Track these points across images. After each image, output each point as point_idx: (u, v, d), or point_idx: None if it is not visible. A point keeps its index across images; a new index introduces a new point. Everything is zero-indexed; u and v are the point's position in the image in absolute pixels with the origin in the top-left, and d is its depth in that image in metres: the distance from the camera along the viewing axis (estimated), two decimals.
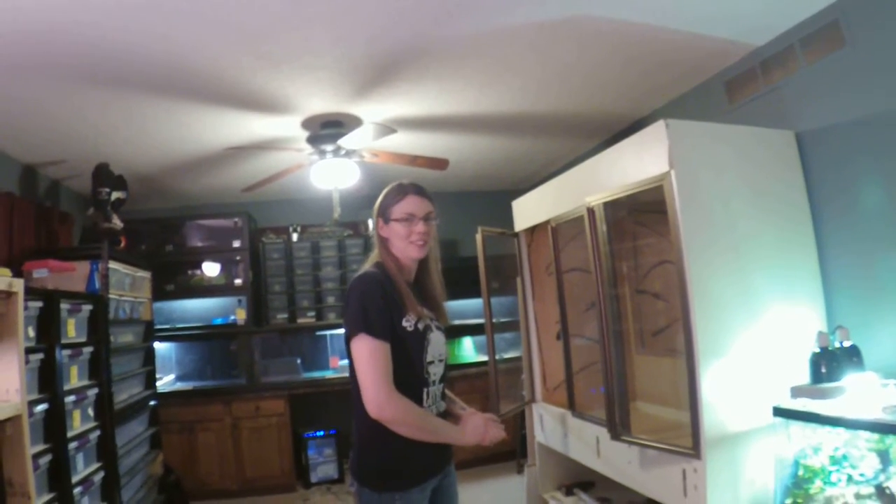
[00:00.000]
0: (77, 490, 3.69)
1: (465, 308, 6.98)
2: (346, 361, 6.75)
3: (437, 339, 2.43)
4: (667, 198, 3.02)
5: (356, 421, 2.33)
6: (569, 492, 4.55)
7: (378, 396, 2.14)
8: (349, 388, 2.33)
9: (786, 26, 3.59)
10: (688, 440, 2.96)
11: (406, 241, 2.45)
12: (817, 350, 3.01)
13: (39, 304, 3.57)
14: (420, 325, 2.35)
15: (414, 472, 2.31)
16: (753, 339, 3.08)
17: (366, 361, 2.17)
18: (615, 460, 3.66)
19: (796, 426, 2.88)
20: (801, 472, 2.83)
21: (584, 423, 3.98)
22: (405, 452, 2.26)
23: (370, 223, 7.20)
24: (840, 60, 3.30)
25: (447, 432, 2.35)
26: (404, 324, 2.29)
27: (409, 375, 2.28)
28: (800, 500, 2.78)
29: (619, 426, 3.45)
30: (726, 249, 3.11)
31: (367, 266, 2.44)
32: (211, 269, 6.79)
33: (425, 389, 2.35)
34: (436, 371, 2.41)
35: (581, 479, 4.57)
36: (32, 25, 2.97)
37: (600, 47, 3.81)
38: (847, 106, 3.28)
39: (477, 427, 2.42)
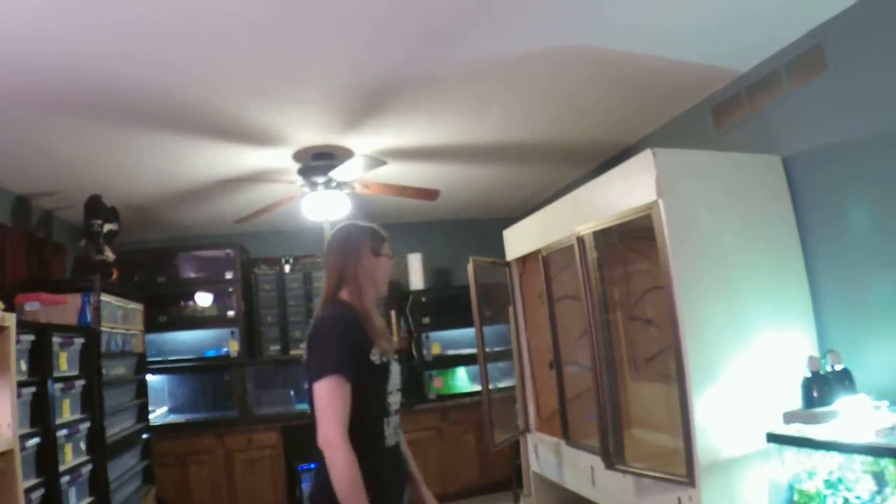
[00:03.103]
0: None
1: (457, 338, 6.99)
2: None
3: (395, 369, 2.46)
4: (655, 226, 3.05)
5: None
6: None
7: (328, 431, 2.14)
8: None
9: (770, 52, 3.65)
10: (682, 468, 2.97)
11: (386, 277, 2.58)
12: (809, 375, 3.02)
13: (31, 337, 3.56)
14: (384, 359, 2.38)
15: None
16: (745, 364, 3.10)
17: (327, 400, 2.17)
18: (610, 489, 3.65)
19: (790, 451, 2.89)
20: (796, 498, 2.84)
21: (579, 452, 3.98)
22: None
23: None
24: (824, 84, 3.35)
25: None
26: (372, 357, 2.32)
27: (373, 407, 2.32)
28: None
29: (613, 455, 3.45)
30: (716, 276, 3.13)
31: (328, 303, 2.46)
32: (204, 298, 6.76)
33: (386, 419, 2.38)
34: (395, 401, 2.44)
35: None
36: (25, 56, 2.99)
37: (588, 76, 3.85)
38: (832, 129, 3.32)
39: None
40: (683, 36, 3.41)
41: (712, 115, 4.20)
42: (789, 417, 2.99)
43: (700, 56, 3.66)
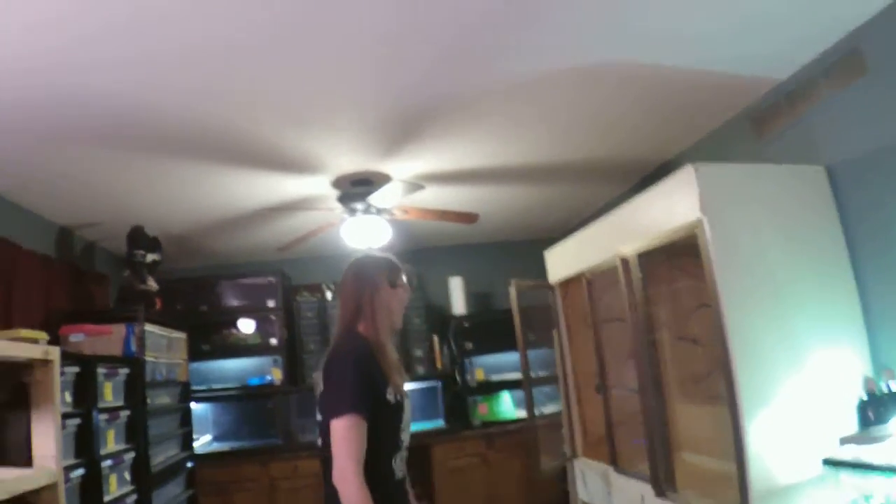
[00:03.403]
0: None
1: (501, 362, 6.91)
2: None
3: (408, 406, 2.48)
4: (700, 245, 2.98)
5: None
6: None
7: (344, 469, 2.17)
8: None
9: (808, 58, 3.53)
10: (736, 494, 2.87)
11: (402, 308, 2.62)
12: (865, 396, 2.93)
13: (76, 369, 3.59)
14: (399, 397, 2.40)
15: None
16: (798, 385, 2.99)
17: (344, 438, 2.21)
18: None
19: (846, 475, 2.78)
20: None
21: (628, 480, 3.88)
22: None
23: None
24: (865, 89, 3.23)
25: None
26: (388, 397, 2.34)
27: (386, 443, 2.35)
28: None
29: (663, 482, 3.36)
30: (764, 294, 3.04)
31: (344, 336, 2.48)
32: (246, 325, 6.79)
33: (397, 454, 2.41)
34: (405, 437, 2.47)
35: None
36: (67, 89, 3.05)
37: (624, 92, 3.80)
38: (876, 136, 3.19)
39: None
40: (718, 46, 3.33)
41: (752, 125, 4.09)
42: (846, 440, 2.88)
43: (738, 67, 3.58)
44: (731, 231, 3.01)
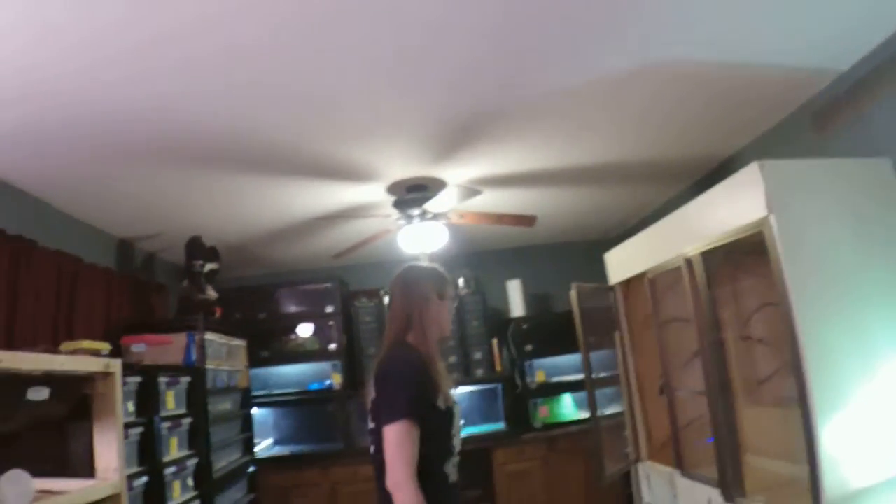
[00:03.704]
0: None
1: (561, 364, 6.82)
2: None
3: (457, 412, 2.53)
4: (768, 244, 2.87)
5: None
6: None
7: (398, 475, 2.23)
8: None
9: (869, 48, 3.37)
10: (808, 499, 2.76)
11: (449, 320, 2.69)
12: None
13: (138, 379, 3.63)
14: (449, 403, 2.45)
15: None
16: (873, 385, 2.86)
17: (397, 444, 2.26)
18: None
19: None
20: None
21: (694, 484, 3.78)
22: None
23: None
24: None
25: None
26: (438, 403, 2.39)
27: (439, 449, 2.39)
28: None
29: (731, 486, 3.26)
30: (834, 293, 2.90)
31: (395, 345, 2.54)
32: (305, 329, 6.85)
33: (450, 460, 2.44)
34: (457, 443, 2.50)
35: None
36: (125, 104, 3.09)
37: (680, 91, 3.70)
38: None
39: None
40: (777, 41, 3.22)
41: (813, 119, 3.92)
42: None
43: (795, 60, 3.44)
44: (799, 228, 2.90)
